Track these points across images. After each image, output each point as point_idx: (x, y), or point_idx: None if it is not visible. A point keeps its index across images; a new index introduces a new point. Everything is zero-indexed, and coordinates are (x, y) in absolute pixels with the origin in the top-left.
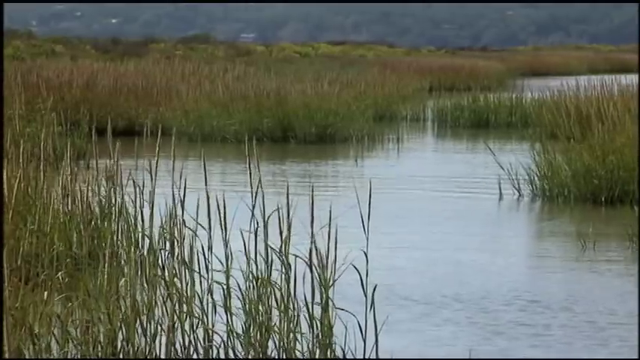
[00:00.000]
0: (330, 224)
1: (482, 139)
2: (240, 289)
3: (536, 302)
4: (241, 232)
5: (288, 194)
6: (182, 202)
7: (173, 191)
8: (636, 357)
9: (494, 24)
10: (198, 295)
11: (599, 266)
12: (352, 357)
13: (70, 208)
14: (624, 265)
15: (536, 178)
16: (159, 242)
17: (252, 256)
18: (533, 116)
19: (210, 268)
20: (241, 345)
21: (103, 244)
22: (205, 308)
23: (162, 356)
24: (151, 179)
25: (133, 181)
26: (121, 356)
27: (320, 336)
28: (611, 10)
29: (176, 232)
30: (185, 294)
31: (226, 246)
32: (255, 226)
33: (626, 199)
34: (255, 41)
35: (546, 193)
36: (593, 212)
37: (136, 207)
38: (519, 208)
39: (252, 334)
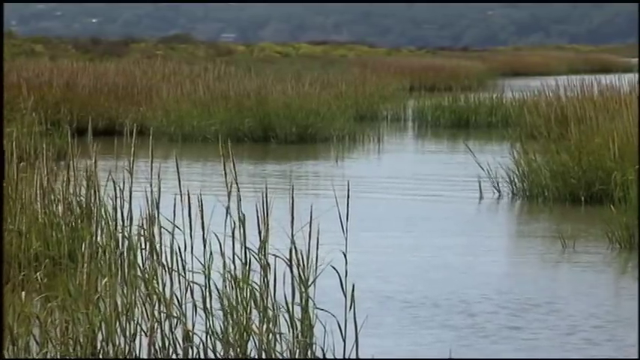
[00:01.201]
0: (310, 224)
1: (462, 140)
2: (219, 290)
3: (516, 303)
4: (220, 233)
5: (266, 194)
6: (158, 203)
7: (152, 191)
8: (636, 357)
9: (474, 24)
10: (177, 296)
11: (579, 266)
12: (332, 357)
13: (49, 208)
14: (604, 264)
15: (515, 179)
16: (138, 242)
17: (231, 256)
18: (513, 117)
19: (189, 268)
20: (221, 345)
21: (82, 245)
22: (184, 308)
23: (142, 356)
24: (130, 179)
25: (113, 182)
26: (100, 356)
27: (300, 336)
28: (590, 10)
29: (155, 232)
30: (164, 294)
31: (205, 246)
32: (234, 226)
33: (604, 198)
34: (235, 41)
35: (526, 193)
36: (572, 212)
37: (116, 207)
38: (499, 208)
39: (231, 335)
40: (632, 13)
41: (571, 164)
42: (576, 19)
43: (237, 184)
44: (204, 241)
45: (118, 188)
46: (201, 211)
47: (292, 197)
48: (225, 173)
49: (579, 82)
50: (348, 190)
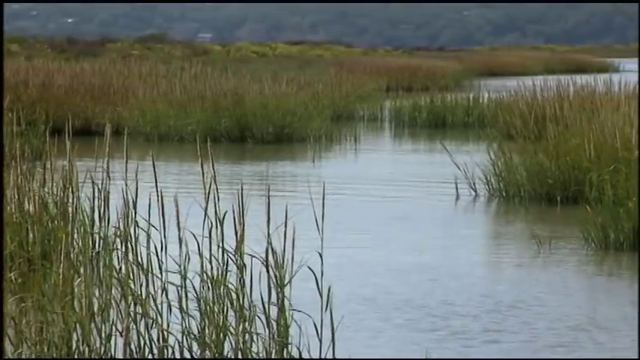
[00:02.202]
0: (285, 225)
1: (439, 140)
2: (195, 290)
3: (492, 304)
4: (196, 233)
5: (242, 194)
6: (135, 203)
7: (127, 192)
8: (636, 357)
9: (451, 24)
10: (153, 296)
11: (554, 266)
12: (308, 357)
13: (24, 208)
14: (580, 265)
15: (492, 179)
16: (114, 243)
17: (207, 256)
18: (489, 117)
19: (165, 268)
20: (197, 345)
21: (58, 245)
22: (160, 309)
23: (118, 356)
24: (106, 179)
25: (92, 181)
26: (75, 357)
27: (276, 336)
28: (566, 10)
29: (131, 232)
30: (140, 294)
31: (181, 247)
32: (211, 226)
33: (580, 199)
34: (212, 41)
35: (502, 193)
36: (548, 212)
37: (92, 207)
38: (475, 208)
39: (207, 335)
40: (607, 13)
41: (547, 164)
42: (552, 20)
43: (215, 184)
44: (181, 241)
45: (95, 188)
46: (177, 211)
47: (268, 197)
48: (203, 173)
49: (555, 83)
50: (324, 191)
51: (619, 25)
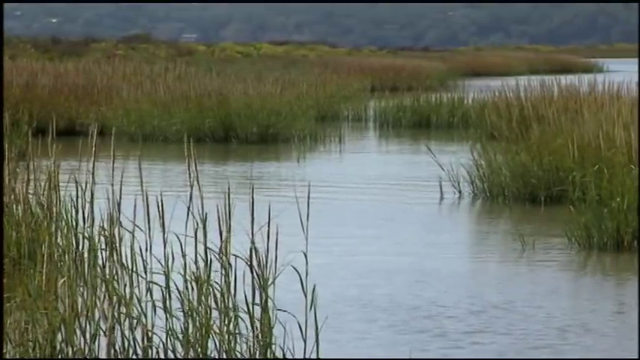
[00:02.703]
0: (269, 225)
1: (423, 140)
2: (179, 290)
3: (477, 304)
4: (181, 234)
5: (229, 194)
6: (119, 203)
7: (113, 192)
8: (636, 357)
9: (435, 24)
10: (137, 296)
11: (539, 266)
12: (292, 357)
13: (9, 208)
14: (563, 265)
15: (476, 179)
16: (98, 243)
17: (192, 256)
18: (473, 117)
19: (150, 269)
20: (180, 345)
21: (42, 245)
22: (144, 309)
23: (102, 357)
24: (91, 180)
25: (76, 182)
26: (59, 357)
27: (260, 336)
28: (550, 10)
29: (115, 232)
30: (124, 295)
31: (165, 247)
32: (196, 226)
33: (564, 198)
34: (197, 41)
35: (486, 193)
36: (532, 212)
37: (77, 208)
38: (460, 208)
39: (191, 335)
40: (591, 14)
41: (531, 165)
42: (536, 20)
43: (198, 184)
44: (165, 241)
45: (79, 188)
46: (162, 211)
47: (252, 198)
48: (190, 174)
49: (539, 83)
50: (309, 192)
51: (603, 25)
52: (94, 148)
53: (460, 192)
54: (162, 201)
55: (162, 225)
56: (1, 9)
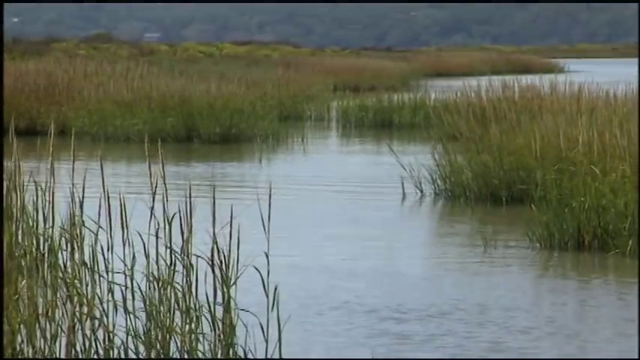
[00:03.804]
0: (231, 225)
1: (386, 140)
2: (141, 290)
3: (438, 305)
4: (143, 233)
5: (190, 194)
6: (82, 203)
7: (73, 192)
8: (636, 357)
9: (398, 24)
10: (99, 296)
11: (500, 266)
12: (254, 357)
13: None
14: (525, 265)
15: (438, 179)
16: (59, 243)
17: (155, 256)
18: (434, 117)
19: (111, 269)
20: (142, 346)
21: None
22: (106, 309)
23: (62, 357)
24: (52, 180)
25: (35, 182)
26: (19, 357)
27: (222, 336)
28: (513, 11)
29: (76, 233)
30: (85, 295)
31: (125, 247)
32: (158, 227)
33: (525, 198)
34: (159, 41)
35: (448, 193)
36: (494, 212)
37: (37, 208)
38: (421, 208)
39: (153, 335)
40: (552, 14)
41: (492, 164)
42: (498, 20)
43: (164, 184)
44: (126, 241)
45: (39, 189)
46: (124, 211)
47: (214, 197)
48: (150, 174)
49: (500, 83)
50: (270, 192)
51: (564, 26)
52: (51, 148)
53: (422, 192)
54: (122, 200)
55: (125, 225)
56: (1, 9)
